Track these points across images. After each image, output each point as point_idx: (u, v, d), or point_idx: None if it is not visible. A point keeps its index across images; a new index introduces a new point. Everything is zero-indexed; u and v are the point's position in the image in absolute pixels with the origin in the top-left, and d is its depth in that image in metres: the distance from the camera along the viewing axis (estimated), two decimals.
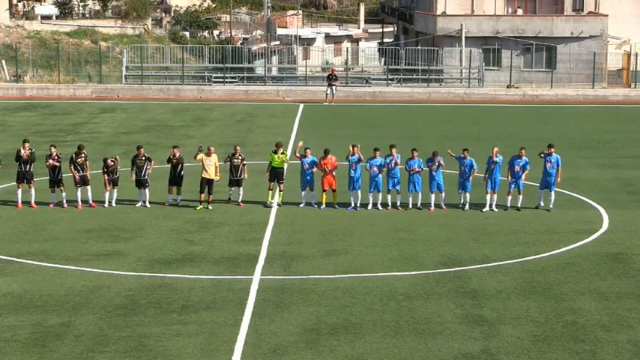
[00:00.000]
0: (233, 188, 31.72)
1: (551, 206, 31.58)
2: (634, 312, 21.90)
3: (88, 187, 31.39)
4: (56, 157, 31.40)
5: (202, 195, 31.40)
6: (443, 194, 31.65)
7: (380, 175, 31.24)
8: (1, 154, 38.38)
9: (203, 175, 31.32)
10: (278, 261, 25.70)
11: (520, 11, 73.53)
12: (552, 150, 31.82)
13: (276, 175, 31.83)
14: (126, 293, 22.85)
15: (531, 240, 28.03)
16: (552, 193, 31.62)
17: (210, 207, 31.33)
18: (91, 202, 31.46)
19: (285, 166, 32.54)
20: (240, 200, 31.75)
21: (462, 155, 31.47)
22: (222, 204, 31.72)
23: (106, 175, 31.37)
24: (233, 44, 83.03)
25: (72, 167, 31.25)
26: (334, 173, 31.53)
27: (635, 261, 26.04)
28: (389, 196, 31.53)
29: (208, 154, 31.47)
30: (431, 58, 66.60)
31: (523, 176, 31.58)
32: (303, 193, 31.70)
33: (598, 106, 59.59)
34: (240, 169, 31.56)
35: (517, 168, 31.50)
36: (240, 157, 31.65)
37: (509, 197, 31.56)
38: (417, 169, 31.29)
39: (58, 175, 31.33)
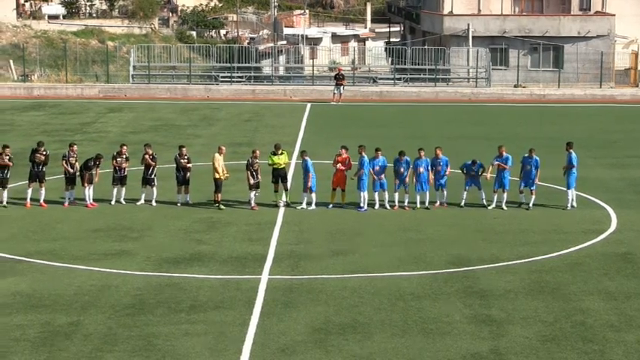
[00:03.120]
0: (255, 192, 31.30)
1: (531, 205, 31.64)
2: None
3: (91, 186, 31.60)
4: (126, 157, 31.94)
5: (219, 195, 31.36)
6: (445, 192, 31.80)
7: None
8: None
9: (218, 176, 31.21)
10: (286, 261, 25.70)
11: (516, 9, 73.30)
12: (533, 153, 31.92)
13: (279, 175, 31.56)
14: (134, 293, 22.87)
15: (539, 240, 28.00)
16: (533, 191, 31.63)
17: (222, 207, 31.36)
18: (91, 200, 31.49)
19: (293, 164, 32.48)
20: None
21: (435, 155, 31.63)
22: (228, 204, 31.72)
23: (114, 161, 31.62)
24: (240, 44, 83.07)
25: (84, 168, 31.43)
26: (346, 173, 31.45)
27: None
28: (396, 195, 31.50)
29: (220, 154, 31.49)
30: (438, 57, 66.56)
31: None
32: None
33: (605, 106, 59.50)
34: (259, 172, 31.28)
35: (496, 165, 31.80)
36: (257, 161, 31.42)
37: (522, 195, 31.75)
38: (422, 169, 31.28)
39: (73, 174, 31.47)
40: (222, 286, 23.40)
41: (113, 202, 31.67)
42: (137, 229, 28.78)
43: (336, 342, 19.88)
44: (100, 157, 32.00)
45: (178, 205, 31.62)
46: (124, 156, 31.91)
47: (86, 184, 31.34)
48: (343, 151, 31.76)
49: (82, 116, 52.66)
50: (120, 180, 31.78)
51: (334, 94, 59.16)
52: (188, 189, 31.78)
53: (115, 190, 31.76)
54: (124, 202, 31.67)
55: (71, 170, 31.38)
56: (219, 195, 31.47)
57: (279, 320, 21.07)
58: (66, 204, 31.47)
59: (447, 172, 31.40)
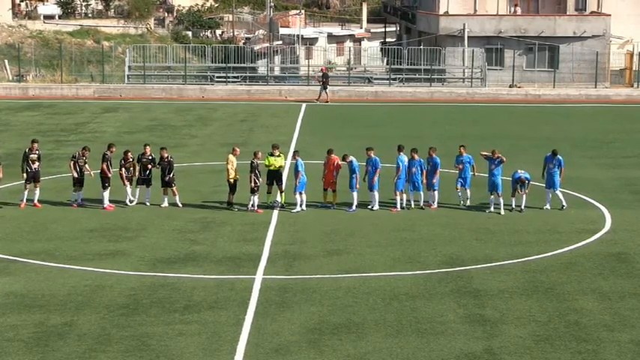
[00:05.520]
0: (256, 195, 30.94)
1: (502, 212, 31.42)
2: (636, 312, 21.89)
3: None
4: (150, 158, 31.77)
5: (232, 196, 31.29)
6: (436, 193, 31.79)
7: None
8: (4, 153, 38.47)
9: (232, 178, 31.03)
10: (280, 260, 25.69)
11: (519, 10, 73.45)
12: (491, 153, 31.55)
13: (274, 177, 31.30)
14: (128, 293, 22.85)
15: (534, 240, 28.01)
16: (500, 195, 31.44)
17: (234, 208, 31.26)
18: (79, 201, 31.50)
19: (287, 165, 32.36)
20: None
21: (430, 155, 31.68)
22: (223, 205, 31.69)
23: (124, 169, 31.34)
24: (235, 44, 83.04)
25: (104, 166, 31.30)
26: (334, 173, 31.34)
27: (638, 261, 26.01)
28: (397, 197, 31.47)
29: (235, 155, 31.33)
30: (433, 57, 66.59)
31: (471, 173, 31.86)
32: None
33: (600, 106, 59.57)
34: (260, 175, 30.99)
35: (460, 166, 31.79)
36: (259, 162, 31.13)
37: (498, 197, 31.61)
38: (415, 170, 31.26)
39: (83, 175, 31.37)
40: (216, 286, 23.39)
41: (135, 203, 31.53)
42: (131, 229, 28.76)
43: (330, 342, 19.88)
44: (127, 152, 31.71)
45: (162, 205, 31.43)
46: (150, 156, 31.81)
47: (126, 182, 31.26)
48: (332, 155, 31.48)
49: (77, 116, 52.63)
50: (145, 181, 31.67)
51: (326, 94, 59.31)
52: (174, 191, 31.60)
53: (138, 190, 31.67)
54: (148, 204, 31.48)
55: (77, 174, 31.30)
56: (232, 196, 31.24)
57: (273, 320, 21.06)
58: (74, 205, 31.36)
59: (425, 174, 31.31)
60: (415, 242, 27.63)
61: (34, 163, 31.35)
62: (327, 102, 58.90)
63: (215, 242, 27.50)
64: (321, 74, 61.11)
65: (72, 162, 31.42)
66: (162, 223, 29.58)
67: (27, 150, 31.69)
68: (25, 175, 31.24)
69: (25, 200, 31.32)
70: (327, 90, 59.59)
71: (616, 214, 31.05)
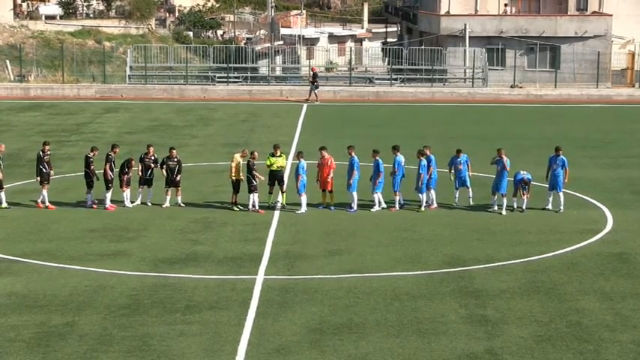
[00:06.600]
0: (255, 195, 30.94)
1: (504, 212, 31.33)
2: (638, 312, 21.88)
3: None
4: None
5: (235, 197, 31.24)
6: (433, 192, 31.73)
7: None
8: (5, 153, 38.46)
9: (234, 177, 30.98)
10: (282, 261, 25.69)
11: (508, 10, 73.37)
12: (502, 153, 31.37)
13: (276, 178, 31.26)
14: (130, 293, 22.86)
15: (535, 240, 28.00)
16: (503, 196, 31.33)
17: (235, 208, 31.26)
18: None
19: (288, 166, 32.32)
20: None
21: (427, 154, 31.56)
22: (226, 205, 31.71)
23: (126, 176, 31.27)
24: (237, 44, 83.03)
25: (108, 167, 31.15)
26: (331, 174, 31.22)
27: (639, 261, 26.00)
28: (397, 197, 31.45)
29: (242, 156, 31.22)
30: (434, 57, 66.55)
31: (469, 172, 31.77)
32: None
33: (602, 106, 59.53)
34: (257, 174, 30.94)
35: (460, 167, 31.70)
36: (256, 162, 31.09)
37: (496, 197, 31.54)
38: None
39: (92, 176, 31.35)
40: (217, 287, 23.40)
41: (137, 203, 31.57)
42: (133, 230, 28.76)
43: (331, 342, 19.89)
44: (131, 160, 31.72)
45: (163, 206, 31.46)
46: (152, 157, 31.78)
47: (125, 187, 31.14)
48: (324, 152, 31.48)
49: (78, 117, 52.63)
50: (147, 182, 31.64)
51: (315, 94, 59.23)
52: (179, 191, 31.62)
53: (140, 191, 31.68)
54: (149, 204, 31.50)
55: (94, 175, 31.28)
56: (236, 196, 31.19)
57: (274, 320, 21.07)
58: (95, 206, 31.33)
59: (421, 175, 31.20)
60: (416, 242, 27.63)
61: (46, 165, 31.40)
62: (308, 100, 58.89)
63: (216, 242, 27.51)
64: (312, 74, 61.10)
65: (92, 166, 31.29)
66: (164, 223, 29.58)
67: (40, 152, 31.71)
68: (39, 177, 31.29)
69: (47, 202, 31.17)
70: (316, 90, 59.47)
71: (617, 215, 31.04)
